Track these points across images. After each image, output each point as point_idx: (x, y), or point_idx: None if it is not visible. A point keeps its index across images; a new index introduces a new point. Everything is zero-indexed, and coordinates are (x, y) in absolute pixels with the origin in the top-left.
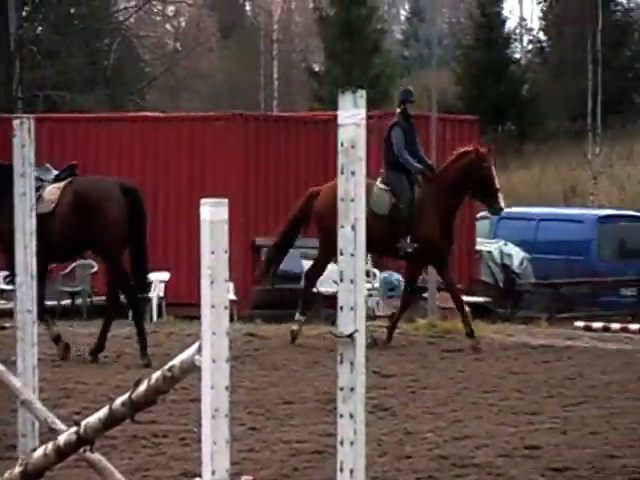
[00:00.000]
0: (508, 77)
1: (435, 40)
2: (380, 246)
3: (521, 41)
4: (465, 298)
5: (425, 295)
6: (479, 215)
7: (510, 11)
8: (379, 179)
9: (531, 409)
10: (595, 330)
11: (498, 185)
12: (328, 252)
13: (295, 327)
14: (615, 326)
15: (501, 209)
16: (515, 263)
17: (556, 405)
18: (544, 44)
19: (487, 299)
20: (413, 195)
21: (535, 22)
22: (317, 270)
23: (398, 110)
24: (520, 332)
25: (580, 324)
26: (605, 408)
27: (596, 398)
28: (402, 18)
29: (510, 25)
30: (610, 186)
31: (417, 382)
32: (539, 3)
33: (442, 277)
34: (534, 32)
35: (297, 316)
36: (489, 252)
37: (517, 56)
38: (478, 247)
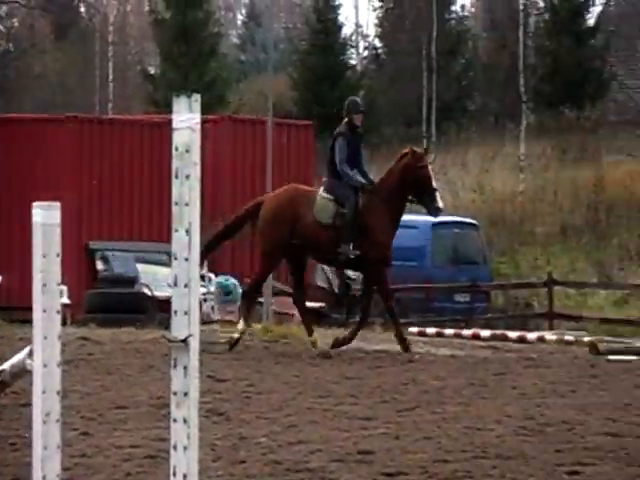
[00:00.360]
0: (344, 83)
1: (271, 45)
2: (325, 255)
3: (357, 47)
4: None
5: (261, 300)
6: None
7: (346, 17)
8: (322, 188)
9: (365, 414)
10: (429, 336)
11: (435, 185)
12: (268, 262)
13: (236, 335)
14: (449, 332)
15: (438, 209)
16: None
17: (390, 410)
18: (380, 51)
19: (322, 304)
20: (357, 201)
21: (371, 29)
22: (257, 281)
23: (346, 120)
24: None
25: (414, 330)
26: (438, 413)
27: (429, 403)
28: (239, 22)
29: (346, 31)
30: (444, 192)
31: (252, 387)
32: (375, 10)
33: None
34: (370, 39)
35: (241, 324)
36: None
37: (353, 62)
38: None
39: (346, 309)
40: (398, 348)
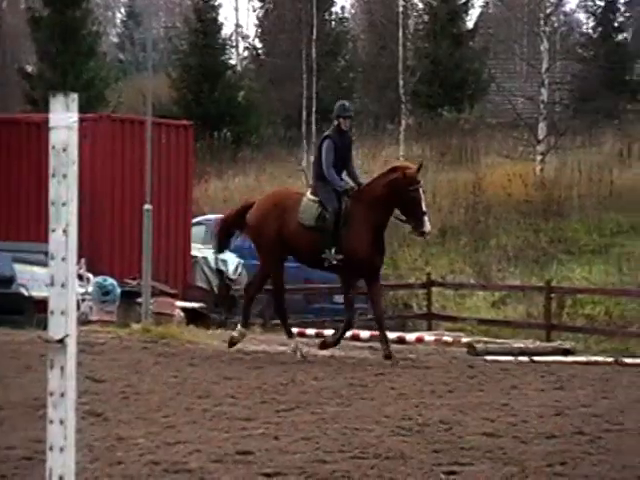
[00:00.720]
0: (224, 83)
1: (150, 44)
2: (308, 257)
3: (237, 48)
4: (180, 303)
5: (140, 300)
6: (194, 220)
7: (226, 18)
8: (309, 190)
9: (244, 414)
10: (308, 336)
11: (425, 208)
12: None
13: (235, 334)
14: (328, 332)
15: (424, 233)
16: (230, 269)
17: (269, 410)
18: (260, 51)
19: (202, 305)
20: (340, 206)
21: (251, 29)
22: (256, 284)
23: (334, 123)
24: None
25: (294, 330)
26: (317, 414)
27: (308, 404)
28: (118, 21)
29: (226, 31)
30: None
31: (130, 387)
32: (255, 11)
33: (369, 290)
34: (250, 39)
35: (239, 327)
36: (204, 258)
37: (233, 62)
38: (193, 252)
39: (225, 309)
40: (278, 349)
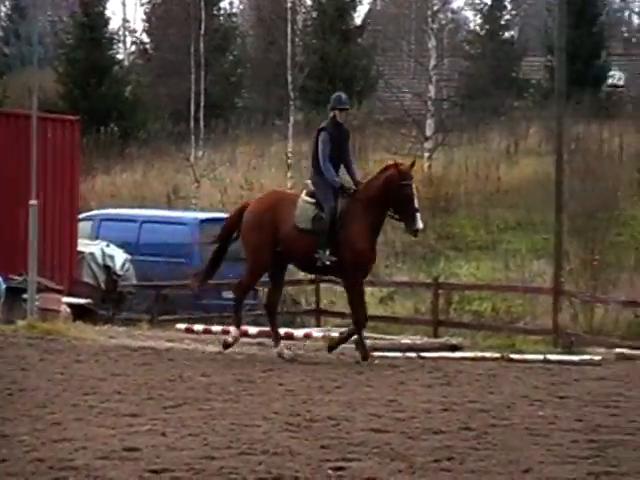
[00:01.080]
0: (111, 78)
1: (36, 38)
2: (301, 259)
3: (124, 42)
4: (66, 299)
5: (25, 296)
6: (81, 216)
7: (113, 12)
8: (304, 191)
9: (131, 411)
10: (196, 332)
11: (417, 205)
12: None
13: (230, 340)
14: (216, 328)
15: (416, 231)
16: (117, 264)
17: (156, 407)
18: (147, 46)
19: (89, 300)
20: (336, 206)
21: (139, 24)
22: (244, 288)
23: (330, 115)
24: (121, 334)
25: (181, 326)
26: (204, 410)
27: (196, 400)
28: (2, 15)
29: (113, 26)
30: (212, 189)
31: (15, 384)
32: (142, 5)
33: (348, 292)
34: (137, 34)
35: (233, 330)
36: (91, 253)
37: (120, 57)
38: (80, 248)
39: (113, 305)
40: (165, 345)
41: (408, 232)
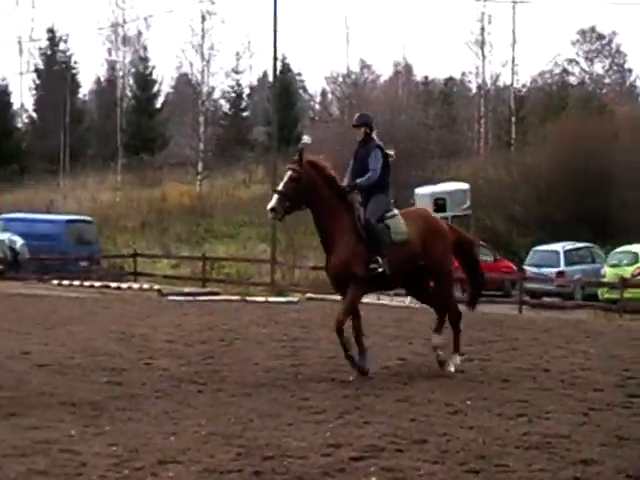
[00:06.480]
0: (12, 138)
1: None
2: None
3: (21, 115)
4: None
5: None
6: None
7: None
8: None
9: (24, 330)
10: (64, 286)
11: (278, 187)
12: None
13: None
14: (76, 283)
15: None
16: (18, 246)
17: (41, 329)
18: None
19: (1, 267)
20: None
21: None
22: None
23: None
24: (19, 287)
25: (55, 282)
26: (70, 331)
27: (62, 324)
28: None
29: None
30: (73, 203)
31: None
32: (30, 90)
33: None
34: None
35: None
36: (1, 240)
37: (19, 125)
38: None
39: (14, 270)
40: (44, 292)
41: None
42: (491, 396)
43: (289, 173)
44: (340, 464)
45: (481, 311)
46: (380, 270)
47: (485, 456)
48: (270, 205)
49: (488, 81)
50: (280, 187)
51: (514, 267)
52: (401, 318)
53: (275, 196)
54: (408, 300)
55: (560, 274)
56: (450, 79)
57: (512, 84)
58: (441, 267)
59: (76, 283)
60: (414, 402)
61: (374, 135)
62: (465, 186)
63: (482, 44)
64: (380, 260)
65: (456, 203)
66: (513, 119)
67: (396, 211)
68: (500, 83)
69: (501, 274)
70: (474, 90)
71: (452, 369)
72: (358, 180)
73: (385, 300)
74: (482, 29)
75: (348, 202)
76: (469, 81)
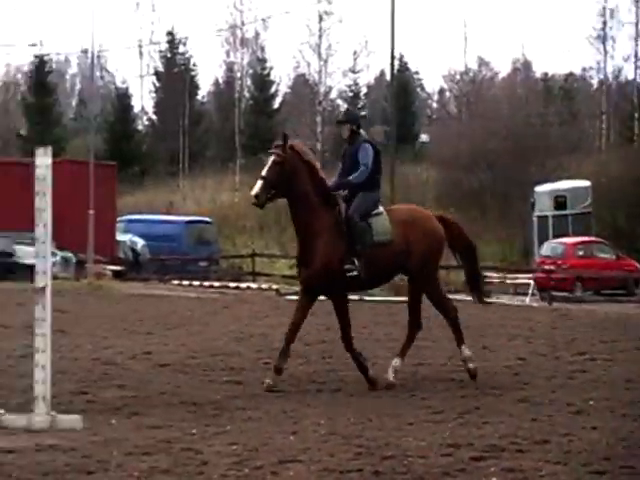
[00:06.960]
0: (133, 141)
1: (94, 119)
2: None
3: (142, 119)
4: (109, 267)
5: (88, 265)
6: (118, 219)
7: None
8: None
9: (146, 330)
10: (184, 286)
11: (263, 172)
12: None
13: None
14: (196, 283)
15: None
16: (139, 247)
17: (162, 328)
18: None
19: (122, 267)
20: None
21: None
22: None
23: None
24: (140, 287)
25: (176, 282)
26: (189, 330)
27: (183, 325)
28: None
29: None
30: (192, 204)
31: (77, 313)
32: (150, 93)
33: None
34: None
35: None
36: (124, 240)
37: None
38: (118, 238)
39: (136, 270)
40: (165, 293)
41: None
42: (614, 396)
43: (272, 157)
44: (460, 464)
45: (603, 311)
46: (354, 274)
47: (610, 457)
48: (254, 191)
49: (610, 76)
50: (264, 172)
51: (637, 265)
52: (520, 317)
53: (259, 182)
54: (528, 299)
55: None
56: (570, 75)
57: (635, 78)
58: (423, 269)
59: (196, 283)
60: (535, 402)
61: (362, 131)
62: (586, 183)
63: (604, 39)
64: (356, 262)
65: (577, 201)
66: (636, 114)
67: (382, 209)
68: (622, 78)
69: (623, 272)
70: (595, 85)
71: (470, 365)
72: (350, 177)
73: (504, 299)
74: (604, 23)
75: (331, 196)
76: (590, 76)
